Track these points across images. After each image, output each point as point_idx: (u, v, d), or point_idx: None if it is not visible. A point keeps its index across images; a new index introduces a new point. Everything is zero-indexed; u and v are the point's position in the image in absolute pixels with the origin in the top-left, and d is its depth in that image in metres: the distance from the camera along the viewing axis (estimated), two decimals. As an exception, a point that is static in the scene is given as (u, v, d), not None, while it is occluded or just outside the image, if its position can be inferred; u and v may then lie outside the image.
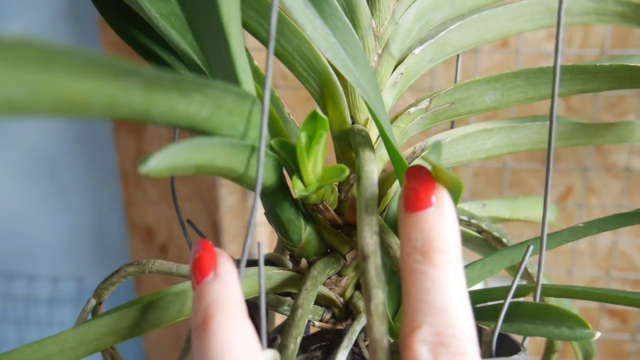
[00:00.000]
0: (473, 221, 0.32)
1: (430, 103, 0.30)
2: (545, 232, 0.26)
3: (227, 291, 0.22)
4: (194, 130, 0.21)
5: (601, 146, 0.79)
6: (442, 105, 0.31)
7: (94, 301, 0.31)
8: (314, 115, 0.25)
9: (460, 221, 0.32)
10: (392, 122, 0.31)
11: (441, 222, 0.21)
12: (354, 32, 0.25)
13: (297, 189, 0.24)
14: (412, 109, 0.30)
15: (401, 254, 0.21)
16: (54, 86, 0.14)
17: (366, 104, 0.25)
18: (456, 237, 0.21)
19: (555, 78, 0.24)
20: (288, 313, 0.29)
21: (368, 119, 0.30)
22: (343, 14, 0.24)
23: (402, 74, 0.30)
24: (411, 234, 0.21)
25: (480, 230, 0.32)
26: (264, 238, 0.85)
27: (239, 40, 0.23)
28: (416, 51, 0.30)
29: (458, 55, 0.35)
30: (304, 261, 0.30)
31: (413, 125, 0.31)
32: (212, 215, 0.85)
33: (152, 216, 0.96)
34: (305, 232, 0.30)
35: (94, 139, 0.94)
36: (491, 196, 0.83)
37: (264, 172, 0.25)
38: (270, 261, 0.35)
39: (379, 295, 0.21)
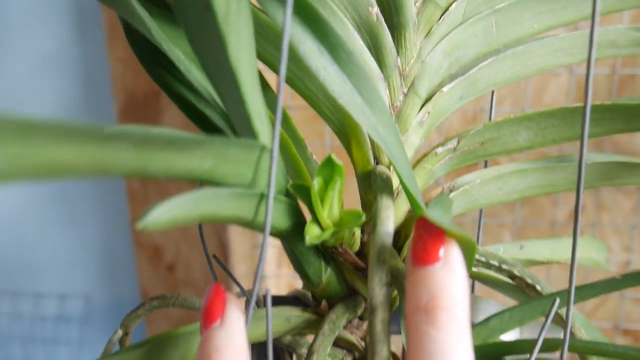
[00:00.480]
0: (504, 267, 0.30)
1: (458, 143, 0.29)
2: (574, 284, 0.25)
3: (232, 339, 0.22)
4: (199, 181, 0.21)
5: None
6: (472, 146, 0.29)
7: (120, 332, 0.32)
8: (329, 161, 0.24)
9: (490, 266, 0.30)
10: (418, 162, 0.30)
11: (448, 278, 0.20)
12: (371, 78, 0.24)
13: (308, 235, 0.24)
14: (440, 149, 0.29)
15: (405, 311, 0.20)
16: (34, 155, 0.14)
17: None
18: (464, 294, 0.20)
19: (585, 118, 0.23)
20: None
21: (392, 159, 0.29)
22: (359, 59, 0.24)
23: (429, 112, 0.29)
24: (416, 289, 0.20)
25: (512, 277, 0.31)
26: (272, 258, 0.84)
27: (252, 84, 0.22)
28: (445, 89, 0.29)
29: (492, 92, 0.34)
30: (324, 302, 0.30)
31: (441, 166, 0.30)
32: (220, 236, 0.85)
33: (159, 235, 0.96)
34: (325, 274, 0.29)
35: None
36: (499, 214, 0.81)
37: (277, 218, 0.24)
38: (296, 298, 0.34)
39: (384, 352, 0.21)
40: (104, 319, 0.96)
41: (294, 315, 0.29)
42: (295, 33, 0.22)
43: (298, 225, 0.26)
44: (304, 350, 0.30)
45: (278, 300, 0.35)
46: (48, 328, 0.93)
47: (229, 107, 0.24)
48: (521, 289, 0.31)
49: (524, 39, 0.30)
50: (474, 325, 0.30)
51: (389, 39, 0.28)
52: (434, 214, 0.19)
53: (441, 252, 0.20)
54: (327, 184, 0.25)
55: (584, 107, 0.22)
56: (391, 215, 0.25)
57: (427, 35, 0.28)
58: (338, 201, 0.26)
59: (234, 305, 0.23)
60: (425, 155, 0.30)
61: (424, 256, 0.21)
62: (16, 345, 0.93)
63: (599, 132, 0.29)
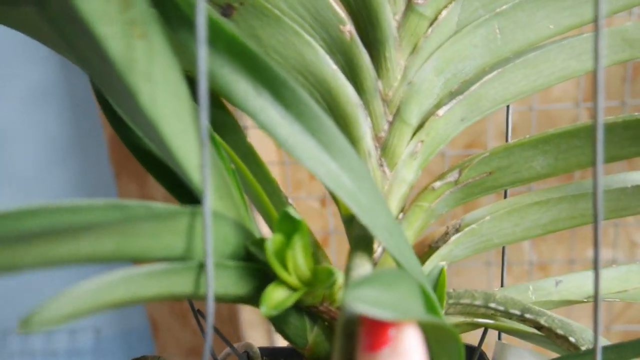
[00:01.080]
0: (528, 316, 0.25)
1: (460, 175, 0.25)
2: (599, 343, 0.20)
3: None
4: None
5: None
6: (477, 177, 0.25)
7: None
8: (286, 216, 0.21)
9: (511, 316, 0.26)
10: (413, 200, 0.25)
11: None
12: (349, 143, 0.20)
13: (264, 306, 0.20)
14: (438, 183, 0.25)
15: None
16: None
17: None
18: None
19: (598, 134, 0.18)
20: None
21: (380, 199, 0.25)
22: (331, 122, 0.20)
23: (422, 141, 0.25)
24: None
25: (539, 327, 0.26)
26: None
27: (181, 131, 0.19)
28: (440, 112, 0.25)
29: (508, 107, 0.28)
30: (314, 365, 0.26)
31: (441, 203, 0.25)
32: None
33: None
34: (312, 333, 0.25)
35: (95, 186, 0.93)
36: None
37: (228, 285, 0.21)
38: (294, 351, 0.31)
39: None
40: (115, 351, 0.96)
41: (278, 381, 0.26)
42: (221, 72, 0.19)
43: (263, 286, 0.23)
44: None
45: (271, 353, 0.31)
46: (60, 363, 0.95)
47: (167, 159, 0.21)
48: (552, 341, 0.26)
49: (536, 44, 0.25)
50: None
51: (366, 59, 0.24)
52: (366, 299, 0.15)
53: (391, 333, 0.16)
54: (289, 239, 0.21)
55: (595, 124, 0.18)
56: (364, 274, 0.21)
57: (412, 51, 0.24)
58: (305, 257, 0.22)
59: None
60: (421, 191, 0.25)
61: (369, 340, 0.17)
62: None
63: (634, 151, 0.23)
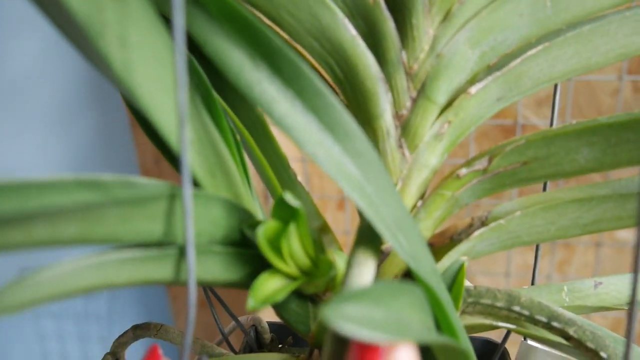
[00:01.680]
0: (555, 324, 0.23)
1: (489, 163, 0.22)
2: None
3: None
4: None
5: None
6: (509, 166, 0.22)
7: (109, 357, 0.29)
8: (281, 202, 0.19)
9: (537, 322, 0.23)
10: (434, 189, 0.23)
11: None
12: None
13: (252, 298, 0.19)
14: (463, 171, 0.22)
15: None
16: None
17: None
18: None
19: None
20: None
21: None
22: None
23: (450, 122, 0.22)
24: None
25: (567, 337, 0.23)
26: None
27: (172, 118, 0.17)
28: (473, 90, 0.22)
29: (555, 87, 0.25)
30: (316, 353, 0.25)
31: (466, 192, 0.22)
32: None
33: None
34: (315, 321, 0.24)
35: (113, 134, 0.90)
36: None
37: (216, 271, 0.19)
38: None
39: None
40: (130, 312, 0.95)
41: (277, 367, 0.24)
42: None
43: (260, 271, 0.21)
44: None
45: (280, 328, 0.30)
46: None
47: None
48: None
49: (594, 15, 0.21)
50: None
51: (391, 26, 0.21)
52: (352, 317, 0.13)
53: (382, 355, 0.14)
54: (285, 226, 0.19)
55: None
56: (365, 273, 0.19)
57: (444, 19, 0.21)
58: (304, 246, 0.20)
59: None
60: (445, 178, 0.23)
61: (362, 355, 0.15)
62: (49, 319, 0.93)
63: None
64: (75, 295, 0.16)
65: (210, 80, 0.21)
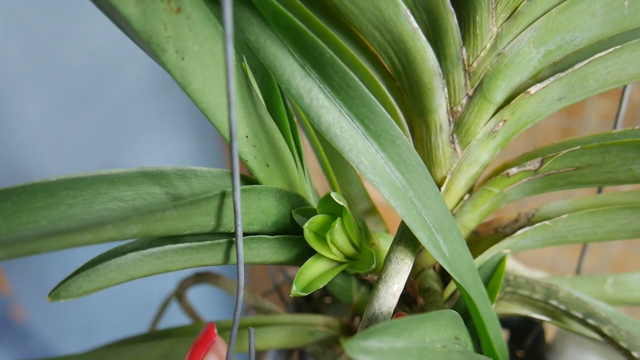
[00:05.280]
0: (591, 321, 0.23)
1: (542, 165, 0.22)
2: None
3: None
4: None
5: None
6: (562, 169, 0.22)
7: (174, 296, 0.32)
8: (328, 199, 0.20)
9: (573, 317, 0.23)
10: (483, 182, 0.23)
11: None
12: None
13: (295, 283, 0.20)
14: (514, 170, 0.22)
15: None
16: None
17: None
18: None
19: None
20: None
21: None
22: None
23: (505, 120, 0.22)
24: None
25: (601, 334, 0.23)
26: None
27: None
28: (533, 90, 0.21)
29: (624, 88, 0.24)
30: (357, 319, 0.26)
31: (516, 189, 0.23)
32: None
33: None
34: (358, 293, 0.25)
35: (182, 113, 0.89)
36: None
37: (266, 255, 0.21)
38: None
39: None
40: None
41: (319, 330, 0.26)
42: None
43: (307, 253, 0.22)
44: (329, 364, 0.27)
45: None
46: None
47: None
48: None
49: (675, 19, 0.20)
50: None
51: (453, 22, 0.20)
52: (372, 351, 0.14)
53: None
54: (331, 221, 0.20)
55: None
56: (403, 270, 0.20)
57: (509, 17, 0.20)
58: (347, 237, 0.21)
59: (214, 356, 0.22)
60: (494, 174, 0.23)
61: None
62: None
63: None
64: (133, 280, 0.18)
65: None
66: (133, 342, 0.26)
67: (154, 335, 0.26)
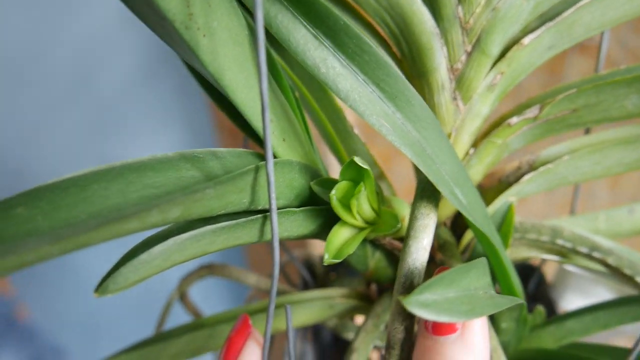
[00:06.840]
0: (596, 255, 0.25)
1: (540, 111, 0.23)
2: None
3: None
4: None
5: None
6: (559, 113, 0.23)
7: (176, 294, 0.32)
8: (352, 164, 0.20)
9: (578, 253, 0.25)
10: (485, 135, 0.24)
11: (460, 354, 0.16)
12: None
13: (326, 252, 0.20)
14: (514, 119, 0.23)
15: None
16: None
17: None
18: None
19: None
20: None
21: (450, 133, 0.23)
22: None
23: (502, 73, 0.23)
24: (425, 358, 0.17)
25: (606, 265, 0.25)
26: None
27: (245, 83, 0.18)
28: (526, 40, 0.22)
29: (602, 34, 0.25)
30: (373, 286, 0.27)
31: (517, 138, 0.24)
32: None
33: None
34: (373, 259, 0.26)
35: (187, 101, 0.90)
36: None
37: (292, 229, 0.21)
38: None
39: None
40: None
41: (338, 302, 0.27)
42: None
43: (328, 223, 0.23)
44: (351, 334, 0.28)
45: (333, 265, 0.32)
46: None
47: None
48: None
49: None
50: (547, 322, 0.26)
51: (447, -19, 0.21)
52: (428, 304, 0.15)
53: (458, 325, 0.16)
54: (355, 185, 0.21)
55: None
56: (430, 225, 0.20)
57: (500, -29, 0.21)
58: (372, 202, 0.21)
59: (252, 345, 0.22)
60: (495, 126, 0.24)
61: (437, 324, 0.17)
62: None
63: None
64: (176, 265, 0.18)
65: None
66: (161, 339, 0.25)
67: (180, 331, 0.26)
